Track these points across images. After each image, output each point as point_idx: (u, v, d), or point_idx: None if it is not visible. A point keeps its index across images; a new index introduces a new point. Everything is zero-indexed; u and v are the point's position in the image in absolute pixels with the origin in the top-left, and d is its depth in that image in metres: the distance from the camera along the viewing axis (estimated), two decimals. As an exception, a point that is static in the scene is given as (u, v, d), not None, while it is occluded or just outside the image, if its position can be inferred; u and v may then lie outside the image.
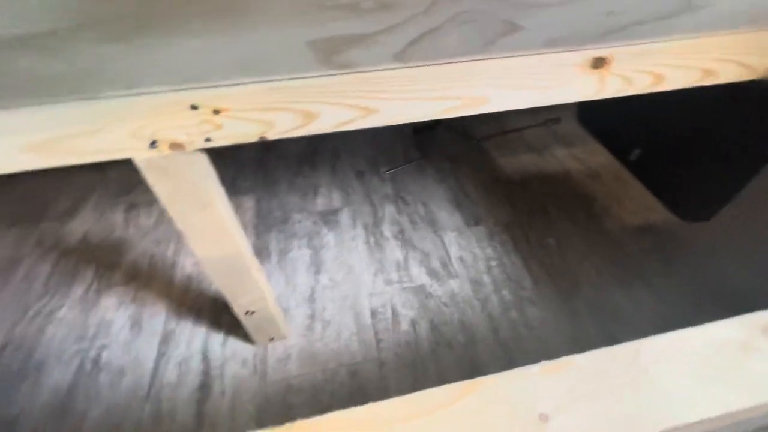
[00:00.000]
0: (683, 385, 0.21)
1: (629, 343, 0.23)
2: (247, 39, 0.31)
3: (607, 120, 1.30)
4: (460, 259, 0.95)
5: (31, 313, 0.86)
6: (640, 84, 0.51)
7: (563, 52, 0.44)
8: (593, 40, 0.44)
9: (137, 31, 0.27)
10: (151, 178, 0.44)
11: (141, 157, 0.42)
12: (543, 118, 1.40)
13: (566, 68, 0.46)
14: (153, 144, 0.41)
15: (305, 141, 1.31)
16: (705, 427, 0.19)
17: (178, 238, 1.00)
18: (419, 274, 0.92)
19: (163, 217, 1.07)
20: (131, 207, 1.10)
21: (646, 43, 0.46)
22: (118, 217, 1.07)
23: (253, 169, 1.22)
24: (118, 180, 1.20)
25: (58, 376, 0.76)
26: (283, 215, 1.07)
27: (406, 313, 0.84)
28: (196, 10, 0.26)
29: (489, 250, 0.97)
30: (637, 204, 1.09)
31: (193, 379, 0.74)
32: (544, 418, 0.20)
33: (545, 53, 0.44)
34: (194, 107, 0.40)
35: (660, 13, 0.39)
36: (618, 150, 1.22)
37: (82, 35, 0.27)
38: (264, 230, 1.03)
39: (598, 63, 0.47)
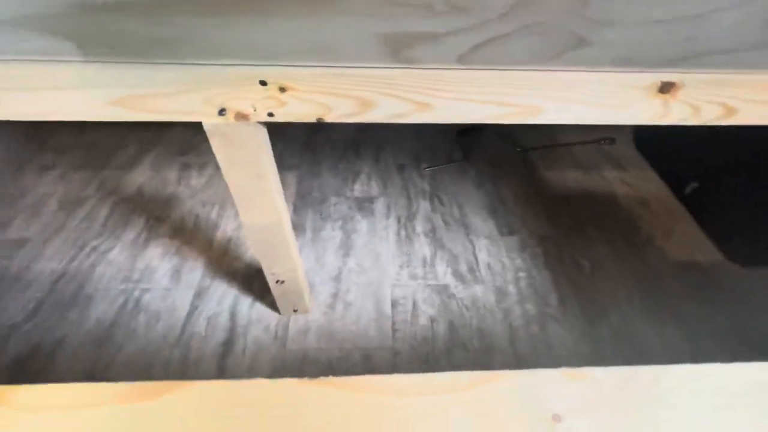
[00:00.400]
0: (701, 415, 0.21)
1: (652, 366, 0.23)
2: (323, 26, 0.33)
3: (666, 147, 1.23)
4: (488, 265, 0.95)
5: (87, 249, 0.94)
6: (709, 115, 0.49)
7: (630, 72, 0.43)
8: (664, 64, 0.42)
9: (232, 11, 0.30)
10: (215, 143, 0.48)
11: (209, 122, 0.46)
12: (597, 136, 1.34)
13: (630, 89, 0.45)
14: (221, 112, 0.45)
15: (353, 128, 1.34)
16: None
17: (222, 202, 1.07)
18: (445, 274, 0.93)
19: (211, 181, 1.13)
20: (184, 167, 1.18)
21: (721, 73, 0.44)
22: (172, 174, 1.15)
23: (300, 148, 1.26)
24: (176, 141, 1.28)
25: (102, 309, 0.83)
26: (322, 196, 1.11)
27: (426, 310, 0.86)
28: None
29: (519, 262, 0.96)
30: (684, 239, 1.04)
31: (219, 334, 0.80)
32: (557, 418, 0.21)
33: (611, 72, 0.43)
34: (263, 83, 0.43)
35: (745, 44, 0.37)
36: (673, 180, 1.16)
37: (183, 8, 0.30)
38: (302, 207, 1.07)
39: (666, 87, 0.45)
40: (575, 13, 0.31)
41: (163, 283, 0.88)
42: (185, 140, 1.28)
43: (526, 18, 0.31)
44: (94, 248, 0.95)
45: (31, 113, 0.41)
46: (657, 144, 1.22)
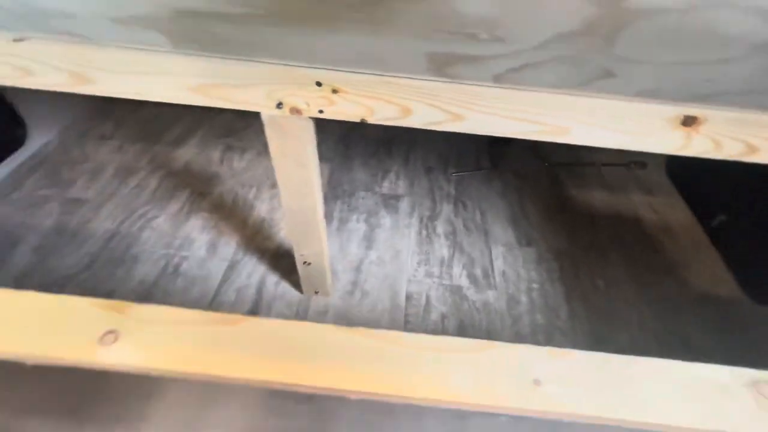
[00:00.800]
0: (659, 399, 0.25)
1: (627, 356, 0.27)
2: (378, 43, 0.38)
3: (697, 177, 1.22)
4: (503, 273, 0.99)
5: (136, 215, 1.04)
6: (730, 150, 0.51)
7: (654, 104, 0.46)
8: (688, 99, 0.45)
9: (305, 23, 0.36)
10: (269, 132, 0.54)
11: (267, 113, 0.52)
12: (628, 160, 1.35)
13: (653, 120, 0.48)
14: (279, 105, 0.51)
15: (387, 128, 1.39)
16: (662, 429, 0.24)
17: (259, 186, 1.14)
18: (460, 276, 0.97)
19: (250, 164, 1.21)
20: (227, 149, 1.26)
21: (743, 112, 0.47)
22: (215, 154, 1.24)
23: (336, 142, 1.33)
24: (221, 124, 1.37)
25: (146, 270, 0.92)
26: (351, 189, 1.17)
27: (439, 307, 0.90)
28: (353, 17, 0.33)
29: (533, 273, 0.99)
30: (706, 271, 1.04)
31: (246, 305, 0.87)
32: (537, 382, 0.25)
33: (636, 102, 0.46)
34: (318, 84, 0.49)
35: (760, 88, 0.40)
36: (701, 211, 1.16)
37: (266, 20, 0.35)
38: (331, 198, 1.13)
39: (689, 121, 0.48)
40: (603, 50, 0.35)
41: (201, 253, 0.96)
42: (229, 125, 1.36)
43: (558, 51, 0.36)
44: (142, 214, 1.04)
45: (127, 92, 0.49)
46: (689, 173, 1.21)
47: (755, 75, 0.36)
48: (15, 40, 0.48)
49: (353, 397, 0.23)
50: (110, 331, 0.25)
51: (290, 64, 0.46)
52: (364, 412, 0.24)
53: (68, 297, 0.28)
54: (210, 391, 0.24)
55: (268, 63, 0.47)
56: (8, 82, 0.50)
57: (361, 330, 0.27)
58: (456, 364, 0.26)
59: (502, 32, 0.33)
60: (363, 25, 0.36)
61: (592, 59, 0.36)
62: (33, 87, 0.51)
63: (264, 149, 1.29)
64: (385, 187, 1.19)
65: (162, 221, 1.03)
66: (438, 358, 0.26)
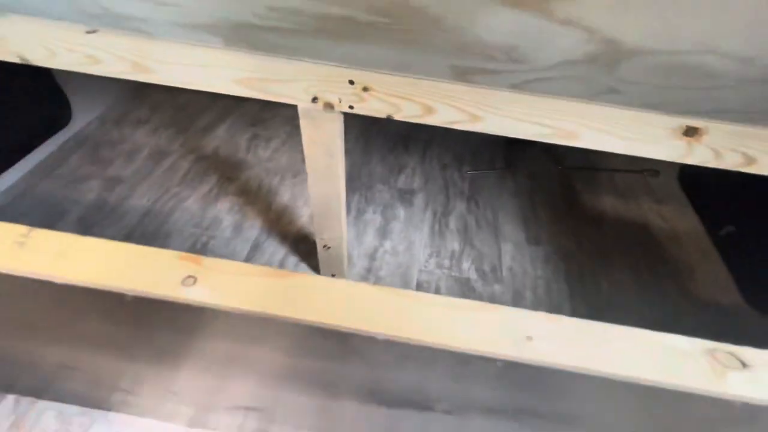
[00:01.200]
0: (630, 356, 0.31)
1: (607, 323, 0.32)
2: (407, 53, 0.43)
3: (709, 187, 1.24)
4: (510, 269, 1.03)
5: (169, 194, 1.11)
6: (730, 161, 0.55)
7: (658, 114, 0.50)
8: (689, 113, 0.49)
9: (347, 39, 0.41)
10: (303, 123, 0.60)
11: (303, 106, 0.58)
12: (641, 167, 1.37)
13: (657, 129, 0.52)
14: (314, 99, 0.57)
15: (407, 125, 1.44)
16: (631, 380, 0.29)
17: (283, 173, 1.21)
18: (469, 269, 1.02)
19: (276, 153, 1.28)
20: (254, 137, 1.33)
21: (743, 126, 0.50)
22: (243, 142, 1.31)
23: (356, 136, 1.38)
24: (249, 113, 1.43)
25: (176, 246, 0.99)
26: (368, 182, 1.22)
27: (447, 296, 0.95)
28: (389, 36, 0.39)
29: (540, 271, 1.03)
30: (711, 280, 1.06)
31: (267, 284, 0.93)
32: (529, 339, 0.31)
33: (641, 112, 0.50)
34: (351, 82, 0.54)
35: (753, 107, 0.43)
36: (710, 220, 1.18)
37: (312, 33, 0.41)
38: (350, 190, 1.19)
39: (691, 131, 0.52)
40: (606, 74, 0.39)
41: (227, 233, 1.03)
42: (256, 114, 1.43)
43: (566, 71, 0.40)
44: (174, 195, 1.12)
45: (181, 81, 0.55)
46: (701, 182, 1.23)
47: (751, 98, 0.39)
48: (87, 32, 0.55)
49: (380, 338, 0.28)
50: (190, 276, 0.32)
51: (327, 63, 0.52)
52: (389, 350, 0.30)
53: (156, 249, 0.35)
54: (261, 326, 0.30)
55: (308, 62, 0.52)
56: (79, 69, 0.57)
57: (389, 288, 0.33)
58: (464, 318, 0.32)
59: (517, 56, 0.38)
60: (396, 44, 0.41)
61: (597, 79, 0.41)
62: (99, 74, 0.58)
63: (288, 140, 1.36)
64: (401, 181, 1.24)
65: (192, 202, 1.10)
66: (450, 313, 0.32)
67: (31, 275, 0.31)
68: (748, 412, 0.28)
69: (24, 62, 0.58)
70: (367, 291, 0.32)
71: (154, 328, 0.34)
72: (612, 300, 0.99)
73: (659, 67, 0.35)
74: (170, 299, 0.30)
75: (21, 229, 0.33)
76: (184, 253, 0.35)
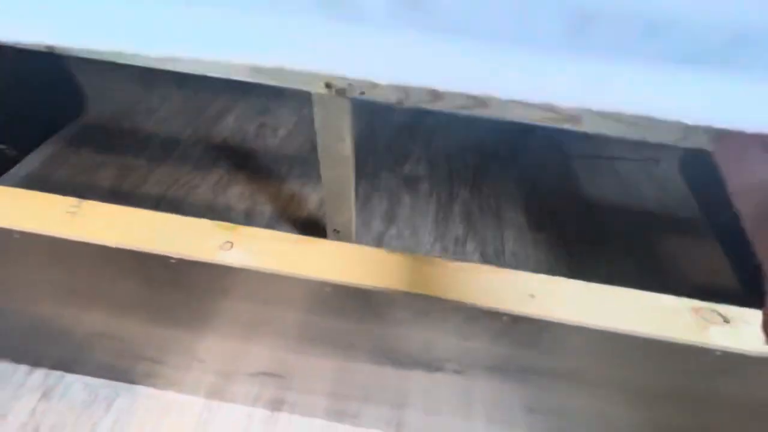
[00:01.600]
0: (622, 313, 0.34)
1: (605, 285, 0.36)
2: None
3: (710, 175, 1.26)
4: (513, 254, 1.06)
5: (180, 183, 1.15)
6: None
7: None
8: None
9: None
10: (317, 109, 0.63)
11: (316, 91, 0.61)
12: (644, 156, 1.39)
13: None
14: (327, 86, 0.59)
15: (413, 112, 1.47)
16: (620, 332, 0.32)
17: (291, 162, 1.24)
18: (472, 253, 1.05)
19: (283, 142, 1.31)
20: (261, 126, 1.36)
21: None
22: (251, 131, 1.34)
23: (363, 125, 1.41)
24: (256, 103, 1.46)
25: (190, 231, 1.03)
26: (375, 170, 1.25)
27: (452, 279, 0.98)
28: None
29: (542, 256, 1.06)
30: (707, 263, 1.09)
31: (278, 267, 0.97)
32: (532, 296, 0.34)
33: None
34: (363, 68, 0.57)
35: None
36: (711, 208, 1.20)
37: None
38: (356, 177, 1.22)
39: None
40: None
41: (238, 220, 1.07)
42: (263, 104, 1.46)
43: None
44: (186, 182, 1.15)
45: (204, 70, 0.58)
46: (701, 170, 1.25)
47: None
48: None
49: (399, 295, 0.32)
50: (227, 242, 0.36)
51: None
52: (406, 307, 0.33)
53: (195, 218, 0.39)
54: (290, 286, 0.33)
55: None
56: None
57: (409, 254, 0.37)
58: (475, 279, 0.35)
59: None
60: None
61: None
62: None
63: (295, 129, 1.39)
64: (407, 169, 1.27)
65: (204, 189, 1.14)
66: (462, 274, 0.35)
67: (86, 239, 0.35)
68: (728, 360, 0.31)
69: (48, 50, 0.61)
70: (387, 254, 0.35)
71: (192, 289, 0.38)
72: (611, 284, 1.02)
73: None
74: (210, 262, 0.34)
75: (71, 200, 0.37)
76: (220, 222, 0.38)
